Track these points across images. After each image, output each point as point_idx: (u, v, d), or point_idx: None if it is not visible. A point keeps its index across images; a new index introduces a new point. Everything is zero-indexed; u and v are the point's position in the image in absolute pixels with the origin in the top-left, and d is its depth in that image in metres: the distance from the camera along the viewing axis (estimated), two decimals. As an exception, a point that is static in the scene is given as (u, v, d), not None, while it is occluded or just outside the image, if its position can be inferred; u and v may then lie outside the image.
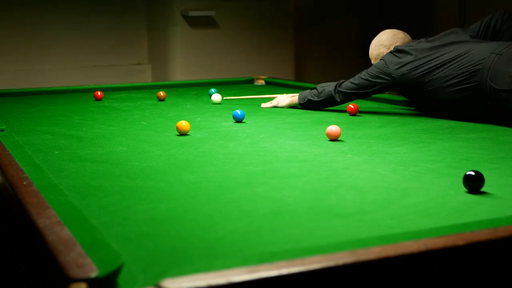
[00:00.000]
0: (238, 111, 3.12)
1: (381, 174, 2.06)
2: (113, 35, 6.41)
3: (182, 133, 2.77)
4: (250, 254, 1.32)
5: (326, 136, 2.64)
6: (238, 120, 3.11)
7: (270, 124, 3.08)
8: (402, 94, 3.39)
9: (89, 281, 1.13)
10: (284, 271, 1.17)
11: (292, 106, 3.56)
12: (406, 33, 3.47)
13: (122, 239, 1.45)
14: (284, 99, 3.60)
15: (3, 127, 2.83)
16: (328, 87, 3.40)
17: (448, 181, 1.94)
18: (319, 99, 3.42)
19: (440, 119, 3.10)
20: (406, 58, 3.18)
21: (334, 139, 2.62)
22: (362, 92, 3.31)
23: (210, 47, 6.27)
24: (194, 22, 6.20)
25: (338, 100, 3.35)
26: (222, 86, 4.61)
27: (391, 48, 3.36)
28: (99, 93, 4.02)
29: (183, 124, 2.77)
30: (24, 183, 1.81)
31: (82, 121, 3.21)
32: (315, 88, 3.47)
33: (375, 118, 3.23)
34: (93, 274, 1.15)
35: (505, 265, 1.37)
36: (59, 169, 2.14)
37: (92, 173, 2.10)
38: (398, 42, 3.40)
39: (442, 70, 3.07)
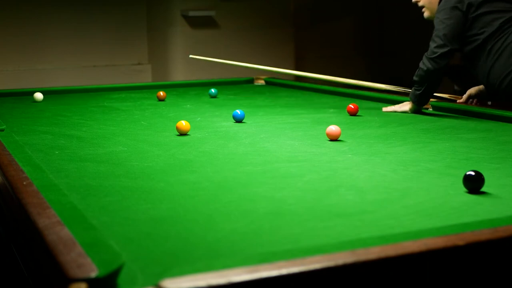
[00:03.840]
0: (238, 111, 3.12)
1: (381, 174, 2.06)
2: (113, 35, 6.41)
3: (182, 133, 2.77)
4: (250, 254, 1.32)
5: (326, 136, 2.64)
6: (238, 120, 3.11)
7: (270, 124, 3.08)
8: (464, 34, 3.28)
9: (89, 281, 1.13)
10: (284, 271, 1.17)
11: (415, 111, 3.35)
12: None
13: (122, 239, 1.44)
14: (406, 104, 3.39)
15: (3, 127, 2.83)
16: (418, 71, 3.26)
17: (448, 181, 1.94)
18: (424, 86, 3.25)
19: (440, 119, 3.10)
20: None
21: (334, 139, 2.62)
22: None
23: (210, 47, 6.27)
24: (194, 22, 6.20)
25: (437, 66, 3.20)
26: (222, 86, 4.61)
27: None
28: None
29: (183, 124, 2.77)
30: (24, 183, 1.81)
31: (82, 121, 3.21)
32: (413, 81, 3.32)
33: (375, 118, 3.23)
34: (93, 274, 1.15)
35: (505, 265, 1.37)
36: (59, 169, 2.14)
37: (92, 173, 2.10)
38: None
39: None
